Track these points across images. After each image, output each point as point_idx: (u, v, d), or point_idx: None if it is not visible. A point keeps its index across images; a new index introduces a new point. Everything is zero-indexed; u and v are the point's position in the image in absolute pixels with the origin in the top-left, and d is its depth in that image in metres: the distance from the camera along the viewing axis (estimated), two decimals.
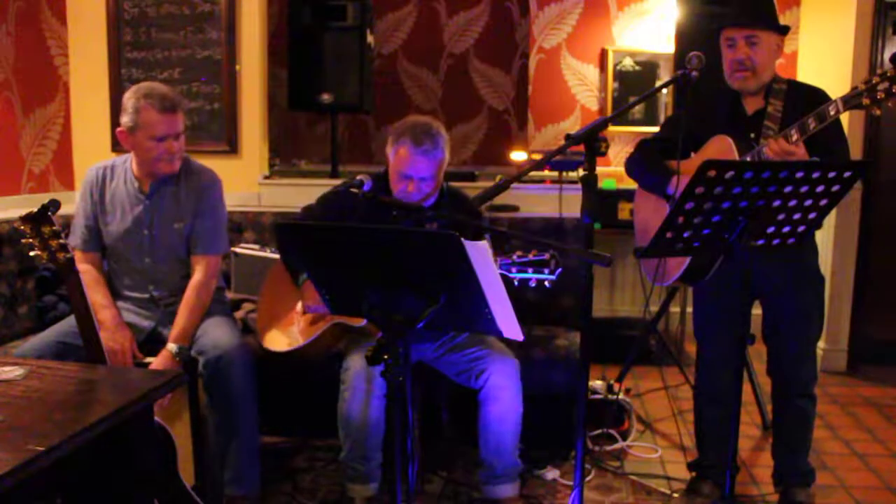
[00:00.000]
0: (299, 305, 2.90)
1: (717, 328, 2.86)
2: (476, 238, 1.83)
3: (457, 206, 2.88)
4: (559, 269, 2.33)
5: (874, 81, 2.34)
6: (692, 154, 2.83)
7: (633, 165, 2.98)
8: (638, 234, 3.04)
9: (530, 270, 2.33)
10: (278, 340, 2.93)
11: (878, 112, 2.38)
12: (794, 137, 2.48)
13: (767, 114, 2.69)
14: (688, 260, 2.68)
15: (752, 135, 2.69)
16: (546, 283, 2.33)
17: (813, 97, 2.68)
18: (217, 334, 2.82)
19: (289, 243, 2.84)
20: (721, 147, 2.66)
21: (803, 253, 2.76)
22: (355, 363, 2.74)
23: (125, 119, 2.80)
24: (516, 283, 2.29)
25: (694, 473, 3.08)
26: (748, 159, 2.57)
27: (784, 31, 2.76)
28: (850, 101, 2.38)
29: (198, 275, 2.92)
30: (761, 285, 2.72)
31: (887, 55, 4.50)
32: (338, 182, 3.08)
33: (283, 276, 3.04)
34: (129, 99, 2.80)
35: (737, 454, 2.40)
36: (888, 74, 2.32)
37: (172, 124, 2.80)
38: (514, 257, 2.33)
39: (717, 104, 2.84)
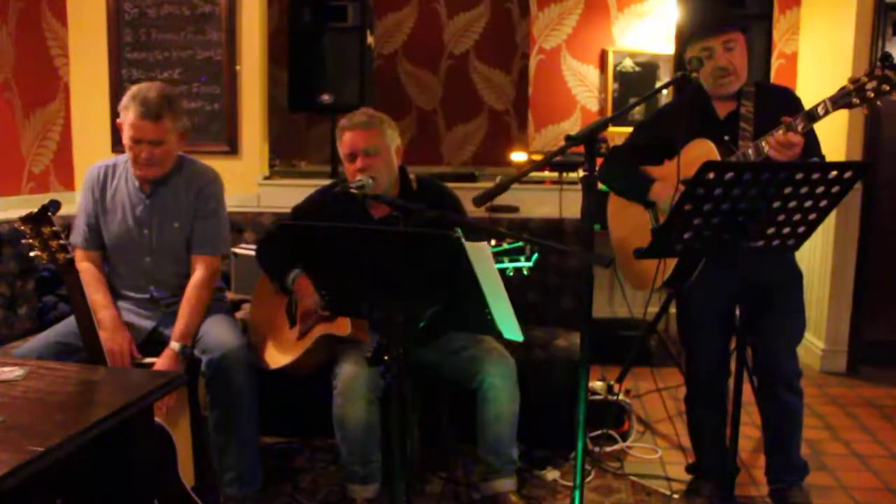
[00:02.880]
0: (307, 301, 2.88)
1: (706, 331, 2.86)
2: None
3: (433, 198, 2.88)
4: (535, 255, 2.33)
5: (862, 81, 2.34)
6: (666, 161, 2.83)
7: (610, 174, 2.97)
8: (616, 246, 3.05)
9: (506, 260, 2.33)
10: (269, 358, 2.94)
11: (866, 112, 2.39)
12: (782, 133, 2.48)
13: (742, 115, 2.69)
14: (674, 264, 2.68)
15: (727, 137, 2.70)
16: (524, 270, 2.34)
17: (782, 97, 2.74)
18: (219, 334, 2.83)
19: (288, 243, 2.85)
20: (703, 151, 2.64)
21: (784, 251, 2.75)
22: (346, 368, 2.75)
23: (121, 113, 2.82)
24: None
25: (692, 476, 3.08)
26: (733, 161, 2.56)
27: (746, 29, 2.79)
28: (838, 101, 2.38)
29: (198, 274, 2.92)
30: (745, 288, 2.72)
31: None
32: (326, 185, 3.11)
33: (267, 293, 3.04)
34: (125, 95, 2.81)
35: (736, 455, 2.41)
36: (876, 74, 2.32)
37: (148, 131, 2.76)
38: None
39: (687, 109, 2.84)
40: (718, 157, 2.60)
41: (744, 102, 2.72)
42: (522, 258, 2.32)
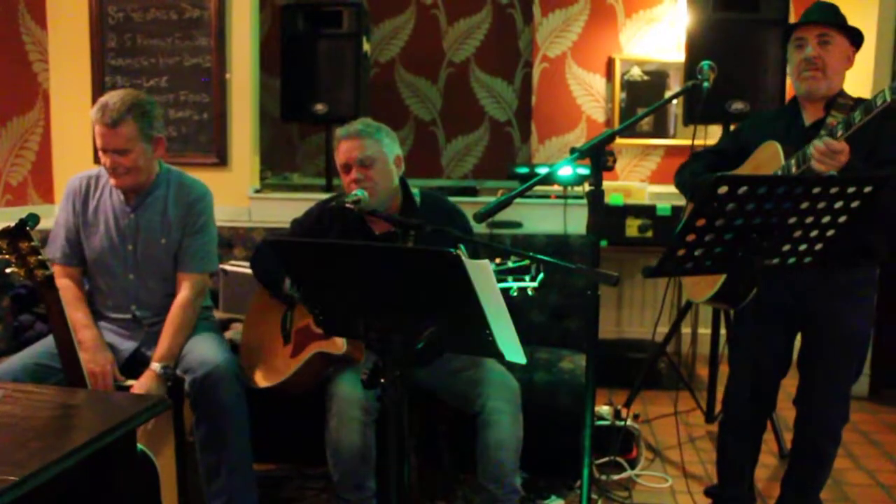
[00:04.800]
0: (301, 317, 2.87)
1: (753, 356, 2.80)
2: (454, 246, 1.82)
3: (437, 213, 2.88)
4: (541, 275, 2.32)
5: None
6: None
7: (684, 178, 2.95)
8: None
9: (510, 279, 2.32)
10: (260, 376, 2.93)
11: None
12: (839, 133, 2.41)
13: (826, 124, 2.60)
14: (721, 279, 2.65)
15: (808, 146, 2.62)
16: (528, 290, 2.33)
17: (881, 113, 2.55)
18: (203, 350, 2.81)
19: (280, 260, 2.84)
20: (768, 153, 2.64)
21: (859, 284, 2.70)
22: (341, 390, 2.73)
23: None
24: None
25: (710, 501, 3.07)
26: (792, 162, 2.54)
27: (856, 38, 2.70)
28: None
29: (184, 292, 2.92)
30: (807, 315, 2.70)
31: None
32: (325, 198, 3.11)
33: (262, 312, 3.04)
34: None
35: (753, 485, 2.39)
36: None
37: (108, 139, 2.76)
38: (493, 266, 2.32)
39: (777, 117, 2.82)
40: (782, 159, 2.57)
41: (833, 113, 2.62)
42: (527, 278, 2.32)
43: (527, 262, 2.31)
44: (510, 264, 2.33)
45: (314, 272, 2.07)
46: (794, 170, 2.51)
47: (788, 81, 4.09)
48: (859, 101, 2.64)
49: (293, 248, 2.13)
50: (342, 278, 2.01)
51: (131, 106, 2.77)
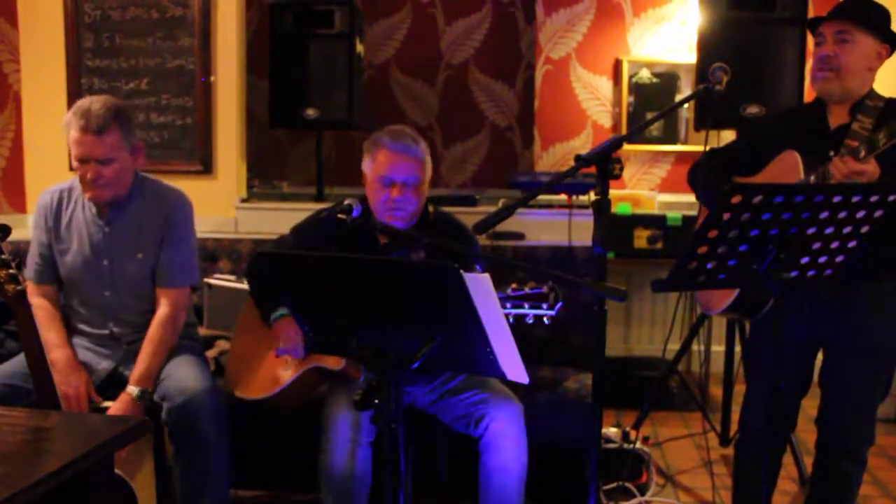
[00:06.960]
0: (280, 344, 2.88)
1: (771, 372, 2.78)
2: (468, 268, 1.83)
3: (448, 232, 2.89)
4: (559, 304, 2.33)
5: None
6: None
7: (695, 177, 2.92)
8: None
9: (527, 305, 2.32)
10: (250, 387, 2.91)
11: None
12: (862, 154, 2.38)
13: (851, 130, 2.58)
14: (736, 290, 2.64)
15: (832, 152, 2.57)
16: (545, 318, 2.33)
17: None
18: (183, 376, 2.80)
19: (270, 275, 2.84)
20: (786, 164, 2.61)
21: (885, 297, 2.65)
22: (337, 410, 2.73)
23: (65, 131, 2.81)
24: (511, 319, 2.28)
25: None
26: (812, 178, 2.52)
27: (889, 36, 2.62)
28: None
29: (163, 309, 2.90)
30: (829, 329, 2.69)
31: None
32: (323, 206, 3.10)
33: (255, 314, 3.03)
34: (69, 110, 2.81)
35: None
36: None
37: (91, 148, 2.73)
38: (509, 291, 2.32)
39: (801, 116, 2.79)
40: (801, 172, 2.54)
41: (860, 117, 2.58)
42: (545, 305, 2.32)
43: (544, 288, 2.31)
44: (527, 290, 2.33)
45: (308, 285, 2.07)
46: None
47: (807, 84, 4.10)
48: (890, 101, 2.62)
49: (284, 261, 2.12)
50: (336, 292, 2.01)
51: (116, 112, 2.76)
